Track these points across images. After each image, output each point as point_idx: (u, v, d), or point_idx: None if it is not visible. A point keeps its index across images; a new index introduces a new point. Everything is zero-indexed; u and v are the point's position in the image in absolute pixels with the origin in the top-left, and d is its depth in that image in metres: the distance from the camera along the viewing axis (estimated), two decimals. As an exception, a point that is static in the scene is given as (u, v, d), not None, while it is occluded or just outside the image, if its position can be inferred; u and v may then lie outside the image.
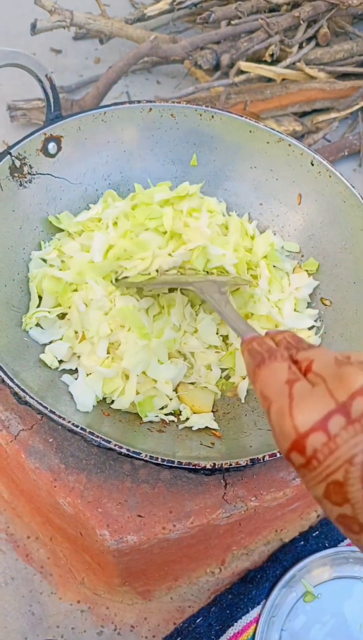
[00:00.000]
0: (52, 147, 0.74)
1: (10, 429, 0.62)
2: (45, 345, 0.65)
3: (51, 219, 0.73)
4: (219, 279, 0.66)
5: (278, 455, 0.54)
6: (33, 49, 1.54)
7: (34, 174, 0.72)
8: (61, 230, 0.74)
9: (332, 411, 0.34)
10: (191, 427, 0.62)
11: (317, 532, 0.82)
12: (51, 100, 0.74)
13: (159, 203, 0.73)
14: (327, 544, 0.80)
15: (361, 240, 0.71)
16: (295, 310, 0.72)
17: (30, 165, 0.72)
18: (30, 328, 0.65)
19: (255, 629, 0.74)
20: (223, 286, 0.60)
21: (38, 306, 0.67)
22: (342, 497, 0.34)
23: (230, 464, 0.53)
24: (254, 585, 0.77)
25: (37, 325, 0.67)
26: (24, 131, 1.28)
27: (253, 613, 0.75)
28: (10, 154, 0.70)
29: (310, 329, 0.71)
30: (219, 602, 0.77)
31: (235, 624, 0.75)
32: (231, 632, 0.75)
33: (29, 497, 0.71)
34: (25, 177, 0.71)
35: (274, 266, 0.75)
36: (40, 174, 0.73)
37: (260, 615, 0.75)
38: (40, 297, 0.68)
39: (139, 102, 0.78)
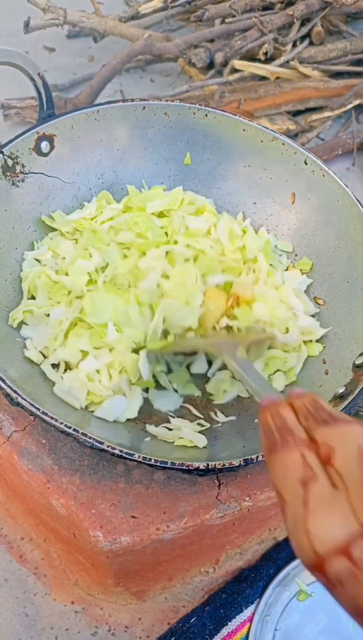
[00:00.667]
0: (44, 145, 0.73)
1: (2, 430, 0.62)
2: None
3: (44, 218, 0.73)
4: (239, 338, 0.64)
5: (271, 455, 0.54)
6: (26, 47, 1.53)
7: (27, 173, 0.72)
8: (54, 229, 0.74)
9: (355, 535, 0.31)
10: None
11: (311, 531, 0.82)
12: (44, 98, 0.73)
13: (154, 214, 0.74)
14: (320, 543, 0.80)
15: (354, 239, 0.71)
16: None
17: (22, 164, 0.71)
18: (17, 324, 0.65)
19: (249, 628, 0.74)
20: (242, 345, 0.57)
21: None
22: None
23: (224, 465, 0.53)
24: (248, 584, 0.77)
25: (24, 323, 0.66)
26: (17, 130, 1.27)
27: (247, 612, 0.75)
28: (2, 152, 0.69)
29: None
30: (213, 602, 0.76)
31: (229, 623, 0.75)
32: (225, 631, 0.75)
33: (22, 499, 0.70)
34: (18, 177, 0.71)
35: (270, 264, 0.75)
36: (33, 173, 0.73)
37: (253, 614, 0.75)
38: (33, 298, 0.68)
39: (132, 100, 0.78)
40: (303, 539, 0.32)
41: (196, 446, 0.59)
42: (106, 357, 0.61)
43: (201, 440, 0.59)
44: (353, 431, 0.34)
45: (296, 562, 0.77)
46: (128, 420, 0.62)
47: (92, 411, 0.61)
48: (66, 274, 0.67)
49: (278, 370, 0.68)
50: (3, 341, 0.62)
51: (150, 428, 0.61)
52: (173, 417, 0.64)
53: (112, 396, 0.61)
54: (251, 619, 0.75)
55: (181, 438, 0.60)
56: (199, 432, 0.61)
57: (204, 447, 0.59)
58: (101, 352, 0.61)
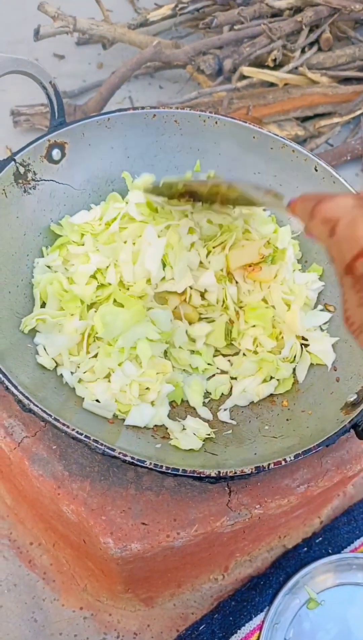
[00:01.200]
0: (56, 153, 0.74)
1: (13, 436, 0.62)
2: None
3: (53, 227, 0.73)
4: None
5: (283, 463, 0.54)
6: (36, 55, 1.54)
7: (38, 181, 0.72)
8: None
9: None
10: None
11: (320, 539, 0.81)
12: (55, 106, 0.74)
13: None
14: (330, 551, 0.80)
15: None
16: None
17: (34, 171, 0.72)
18: (29, 330, 0.65)
19: (258, 636, 0.74)
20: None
21: None
22: None
23: (235, 472, 0.53)
24: (257, 592, 0.77)
25: (37, 330, 0.66)
26: (27, 137, 1.29)
27: (257, 620, 0.75)
28: (14, 160, 0.70)
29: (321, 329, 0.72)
30: (223, 609, 0.76)
31: (239, 631, 0.75)
32: (234, 639, 0.74)
33: (32, 504, 0.71)
34: (30, 184, 0.71)
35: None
36: (44, 180, 0.73)
37: (263, 622, 0.75)
38: (44, 304, 0.68)
39: (143, 108, 0.79)
40: (359, 229, 0.39)
41: (192, 449, 0.60)
42: (134, 370, 0.62)
43: (193, 444, 0.60)
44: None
45: (306, 570, 0.77)
46: (146, 429, 0.62)
47: (122, 419, 0.62)
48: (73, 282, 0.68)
49: (272, 377, 0.68)
50: (15, 348, 0.62)
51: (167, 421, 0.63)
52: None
53: (139, 404, 0.62)
54: (260, 627, 0.74)
55: (176, 439, 0.61)
56: (207, 437, 0.62)
57: (214, 454, 0.59)
58: (128, 365, 0.63)
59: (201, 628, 0.75)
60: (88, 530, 0.57)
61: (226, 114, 0.84)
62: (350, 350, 0.67)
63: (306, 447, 0.55)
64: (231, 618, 0.75)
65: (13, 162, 0.70)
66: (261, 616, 0.75)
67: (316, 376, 0.68)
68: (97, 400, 0.61)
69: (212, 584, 0.78)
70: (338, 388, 0.64)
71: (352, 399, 0.60)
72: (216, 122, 0.79)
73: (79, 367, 0.64)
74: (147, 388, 0.63)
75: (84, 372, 0.63)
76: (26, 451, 0.61)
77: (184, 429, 0.62)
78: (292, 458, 0.54)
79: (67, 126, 0.74)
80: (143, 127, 0.79)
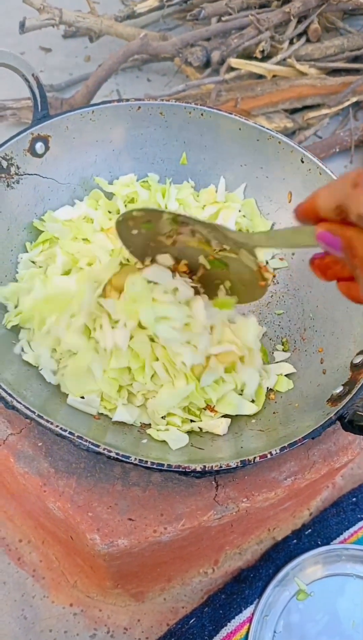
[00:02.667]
0: (39, 147, 0.73)
1: (-1, 433, 0.61)
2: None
3: (36, 223, 0.73)
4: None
5: (269, 456, 0.54)
6: (22, 48, 1.52)
7: (22, 175, 0.72)
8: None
9: None
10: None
11: (310, 531, 0.81)
12: (38, 99, 0.73)
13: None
14: (319, 542, 0.80)
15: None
16: None
17: (17, 165, 0.71)
18: (13, 327, 0.64)
19: (249, 629, 0.74)
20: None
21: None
22: None
23: (221, 466, 0.53)
24: (247, 584, 0.77)
25: (21, 327, 0.66)
26: (13, 131, 1.27)
27: (247, 612, 0.75)
28: (-4, 154, 0.69)
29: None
30: (213, 603, 0.76)
31: (229, 624, 0.75)
32: (224, 632, 0.74)
33: (20, 501, 0.70)
34: (13, 178, 0.71)
35: None
36: (28, 174, 0.72)
37: (253, 614, 0.75)
38: None
39: (127, 100, 0.78)
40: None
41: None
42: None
43: (181, 442, 0.60)
44: None
45: (296, 562, 0.77)
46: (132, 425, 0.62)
47: (107, 416, 0.61)
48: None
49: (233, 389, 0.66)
50: (0, 346, 0.62)
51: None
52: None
53: (126, 402, 0.62)
54: (250, 620, 0.75)
55: (158, 430, 0.60)
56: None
57: (200, 449, 0.59)
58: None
59: (191, 622, 0.75)
60: (75, 526, 0.57)
61: (214, 106, 0.84)
62: (336, 343, 0.67)
63: (293, 439, 0.55)
64: (221, 611, 0.75)
65: (-5, 156, 0.69)
66: (251, 608, 0.75)
67: (303, 368, 0.68)
68: (81, 397, 0.61)
69: (202, 577, 0.78)
70: (325, 380, 0.64)
71: (338, 391, 0.60)
72: (201, 114, 0.79)
73: (60, 362, 0.63)
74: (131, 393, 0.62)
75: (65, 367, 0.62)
76: (11, 448, 0.60)
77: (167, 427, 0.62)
78: (278, 451, 0.54)
79: (50, 119, 0.73)
80: (128, 119, 0.78)
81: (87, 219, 0.74)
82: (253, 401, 0.65)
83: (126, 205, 0.76)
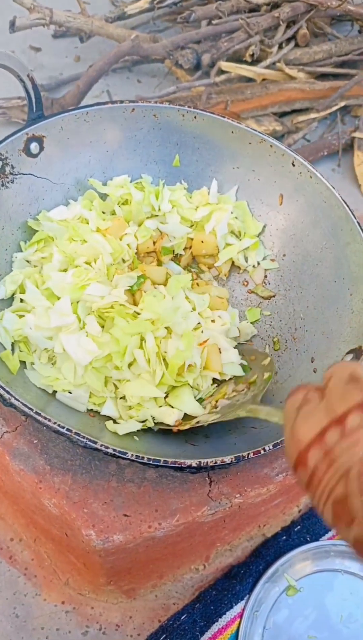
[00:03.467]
0: (34, 147, 0.73)
1: (-6, 431, 0.62)
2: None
3: (30, 223, 0.73)
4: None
5: (262, 452, 0.55)
6: (12, 47, 1.52)
7: (16, 174, 0.72)
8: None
9: (327, 425, 0.35)
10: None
11: (299, 527, 0.83)
12: (33, 100, 0.73)
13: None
14: (308, 538, 0.82)
15: (341, 240, 0.73)
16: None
17: (12, 165, 0.71)
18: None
19: (239, 624, 0.75)
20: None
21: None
22: (348, 514, 0.33)
23: (215, 462, 0.54)
24: (238, 580, 0.78)
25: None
26: (3, 130, 1.26)
27: (237, 608, 0.76)
28: (-9, 153, 0.69)
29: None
30: (204, 599, 0.77)
31: (219, 619, 0.76)
32: (215, 627, 0.75)
33: (13, 499, 0.70)
34: (7, 177, 0.71)
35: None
36: (22, 174, 0.73)
37: (243, 610, 0.76)
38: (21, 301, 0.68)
39: (121, 102, 0.78)
40: (290, 441, 0.38)
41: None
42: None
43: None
44: (351, 364, 0.40)
45: (286, 558, 0.78)
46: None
47: (97, 411, 0.62)
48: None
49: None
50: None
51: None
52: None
53: (115, 397, 0.63)
54: (241, 615, 0.76)
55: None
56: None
57: (195, 445, 0.60)
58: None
59: (182, 618, 0.76)
60: (70, 523, 0.57)
61: (205, 109, 0.85)
62: (326, 342, 0.68)
63: (285, 437, 0.57)
64: (212, 607, 0.76)
65: (-10, 156, 0.69)
66: (241, 604, 0.76)
67: (294, 368, 0.69)
68: (69, 392, 0.61)
69: (193, 574, 0.79)
70: (316, 379, 0.65)
71: (329, 390, 0.61)
72: (194, 117, 0.80)
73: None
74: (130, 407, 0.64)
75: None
76: (7, 446, 0.61)
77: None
78: (271, 447, 0.55)
79: (45, 120, 0.74)
80: (122, 121, 0.79)
81: (81, 219, 0.74)
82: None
83: (120, 206, 0.77)
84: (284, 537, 0.82)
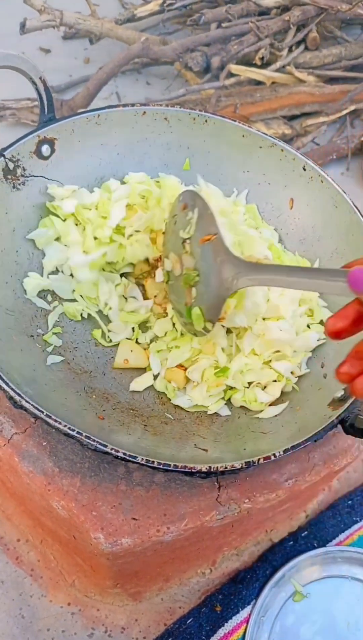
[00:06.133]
0: (45, 149, 0.74)
1: (3, 433, 0.62)
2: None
3: (48, 205, 0.73)
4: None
5: (272, 457, 0.55)
6: (22, 49, 1.52)
7: (27, 176, 0.72)
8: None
9: None
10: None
11: (306, 532, 0.83)
12: (45, 102, 0.73)
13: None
14: (315, 544, 0.81)
15: (352, 245, 0.72)
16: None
17: (23, 167, 0.71)
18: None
19: (245, 630, 0.75)
20: None
21: None
22: None
23: (225, 467, 0.54)
24: (244, 585, 0.78)
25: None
26: (12, 131, 1.27)
27: (243, 613, 0.76)
28: (3, 156, 0.69)
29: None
30: (210, 603, 0.77)
31: (225, 624, 0.76)
32: (221, 632, 0.75)
33: (20, 500, 0.71)
34: (19, 180, 0.71)
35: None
36: (34, 176, 0.73)
37: (250, 615, 0.76)
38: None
39: (133, 105, 0.79)
40: None
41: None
42: None
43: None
44: None
45: (292, 563, 0.78)
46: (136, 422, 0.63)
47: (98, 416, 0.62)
48: None
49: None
50: (6, 344, 0.62)
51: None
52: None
53: None
54: (247, 620, 0.75)
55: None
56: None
57: (204, 450, 0.60)
58: None
59: (188, 622, 0.76)
60: (79, 525, 0.57)
61: (214, 112, 0.85)
62: (336, 348, 0.68)
63: (295, 442, 0.56)
64: (218, 612, 0.76)
65: (2, 158, 0.69)
66: (248, 609, 0.76)
67: (304, 373, 0.69)
68: None
69: (199, 578, 0.79)
70: (326, 384, 0.65)
71: (339, 395, 0.61)
72: (206, 121, 0.80)
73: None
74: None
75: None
76: (16, 448, 0.61)
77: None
78: (281, 453, 0.55)
79: (56, 122, 0.74)
80: (133, 124, 0.79)
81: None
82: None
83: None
84: (291, 542, 0.81)
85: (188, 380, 0.67)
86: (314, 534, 0.82)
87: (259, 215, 0.81)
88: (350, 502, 0.86)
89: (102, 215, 0.73)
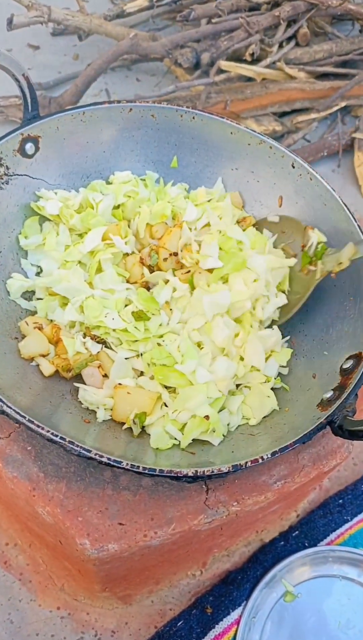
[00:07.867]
0: (29, 147, 0.72)
1: (-13, 437, 0.61)
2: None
3: (33, 205, 0.72)
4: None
5: (260, 460, 0.54)
6: (9, 45, 1.51)
7: (11, 175, 0.71)
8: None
9: None
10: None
11: (297, 532, 0.82)
12: (28, 99, 0.72)
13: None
14: (306, 544, 0.81)
15: (341, 243, 0.72)
16: None
17: (7, 166, 0.70)
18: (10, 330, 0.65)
19: (236, 631, 0.74)
20: None
21: None
22: None
23: (212, 471, 0.53)
24: (235, 586, 0.77)
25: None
26: (0, 129, 1.25)
27: (234, 615, 0.76)
28: (-14, 154, 0.68)
29: None
30: (201, 605, 0.76)
31: (216, 626, 0.75)
32: (212, 634, 0.75)
33: (7, 505, 0.70)
34: (2, 179, 0.70)
35: None
36: (18, 175, 0.72)
37: (241, 616, 0.75)
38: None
39: (119, 102, 0.77)
40: None
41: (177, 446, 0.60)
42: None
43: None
44: None
45: (283, 563, 0.78)
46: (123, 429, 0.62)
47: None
48: None
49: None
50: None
51: None
52: None
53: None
54: (238, 621, 0.75)
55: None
56: None
57: (191, 453, 0.59)
58: None
59: (179, 624, 0.75)
60: (64, 531, 0.56)
61: (204, 109, 0.84)
62: (326, 348, 0.68)
63: (284, 444, 0.56)
64: (209, 614, 0.76)
65: (-15, 156, 0.68)
66: (238, 611, 0.76)
67: (293, 373, 0.68)
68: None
69: (190, 579, 0.78)
70: (315, 384, 0.64)
71: (328, 396, 0.60)
72: (193, 117, 0.79)
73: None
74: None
75: None
76: (0, 453, 0.60)
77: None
78: (269, 456, 0.54)
79: (41, 120, 0.73)
80: (119, 121, 0.78)
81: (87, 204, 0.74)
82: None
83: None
84: (282, 543, 0.81)
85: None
86: (305, 533, 0.82)
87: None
88: (341, 500, 0.85)
89: (86, 228, 0.72)
